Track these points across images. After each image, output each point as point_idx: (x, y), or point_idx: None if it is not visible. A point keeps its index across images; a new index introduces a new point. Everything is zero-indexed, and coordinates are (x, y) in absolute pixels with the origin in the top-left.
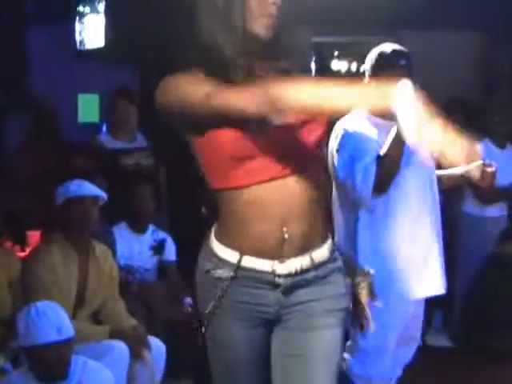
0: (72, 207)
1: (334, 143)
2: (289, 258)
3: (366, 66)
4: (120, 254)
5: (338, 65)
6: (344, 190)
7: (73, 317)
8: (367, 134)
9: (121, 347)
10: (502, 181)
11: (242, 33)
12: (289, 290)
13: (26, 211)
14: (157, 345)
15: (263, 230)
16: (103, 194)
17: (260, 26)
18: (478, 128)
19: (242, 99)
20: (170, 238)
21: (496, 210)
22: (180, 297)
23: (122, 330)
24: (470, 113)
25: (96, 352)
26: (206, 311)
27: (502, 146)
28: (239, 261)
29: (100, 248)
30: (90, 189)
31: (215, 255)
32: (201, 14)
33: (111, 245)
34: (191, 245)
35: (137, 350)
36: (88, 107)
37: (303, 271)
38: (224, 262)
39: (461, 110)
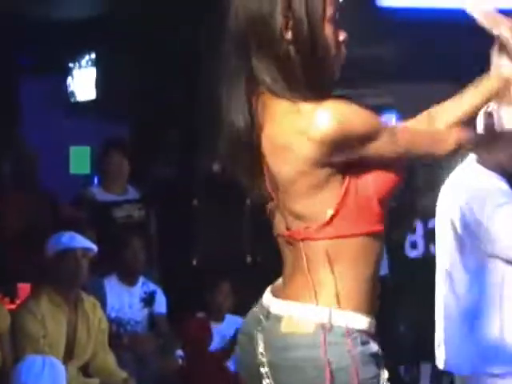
0: (63, 260)
1: (460, 192)
2: None
3: None
4: (110, 306)
5: None
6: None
7: None
8: (495, 183)
9: None
10: None
11: (326, 79)
12: None
13: (17, 263)
14: None
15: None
16: (94, 247)
17: (337, 68)
18: None
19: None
20: (160, 290)
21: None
22: (171, 349)
23: (113, 382)
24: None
25: None
26: None
27: None
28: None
29: (89, 300)
30: (81, 241)
31: (371, 334)
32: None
33: (102, 297)
34: (181, 297)
35: None
36: (79, 159)
37: None
38: (371, 335)
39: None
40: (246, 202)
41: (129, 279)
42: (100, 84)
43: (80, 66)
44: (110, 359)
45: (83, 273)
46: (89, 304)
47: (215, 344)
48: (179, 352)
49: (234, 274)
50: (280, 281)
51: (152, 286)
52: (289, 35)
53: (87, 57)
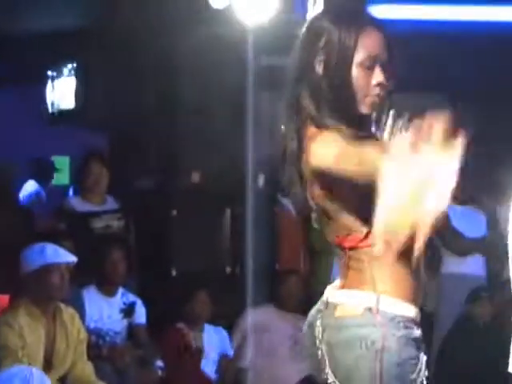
0: (49, 274)
1: None
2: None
3: None
4: (89, 317)
5: None
6: None
7: None
8: None
9: None
10: (470, 234)
11: (351, 113)
12: None
13: None
14: None
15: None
16: (75, 259)
17: (364, 105)
18: None
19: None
20: (140, 301)
21: (474, 268)
22: (150, 360)
23: None
24: None
25: None
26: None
27: (464, 203)
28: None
29: (67, 311)
30: (65, 255)
31: (412, 320)
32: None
33: (80, 308)
34: (161, 307)
35: None
36: (58, 170)
37: None
38: (414, 321)
39: None
40: (225, 212)
41: (108, 290)
42: (80, 94)
43: (60, 76)
44: (88, 370)
45: (67, 286)
46: (67, 315)
47: None
48: (159, 363)
49: (213, 284)
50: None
51: (132, 297)
52: (320, 70)
53: (67, 67)
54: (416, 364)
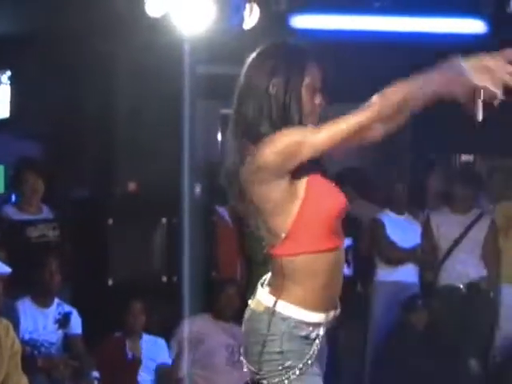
0: None
1: None
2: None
3: None
4: (24, 328)
5: None
6: None
7: None
8: None
9: None
10: (404, 244)
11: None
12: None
13: None
14: None
15: (338, 287)
16: (9, 270)
17: (308, 121)
18: (375, 198)
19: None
20: (76, 311)
21: (407, 276)
22: (86, 370)
23: None
24: (362, 183)
25: None
26: (299, 367)
27: (401, 213)
28: (326, 318)
29: (1, 323)
30: (1, 267)
31: (306, 323)
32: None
33: (14, 319)
34: (97, 317)
35: None
36: None
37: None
38: (315, 325)
39: (351, 180)
40: (161, 221)
41: (43, 300)
42: (15, 102)
43: None
44: (23, 382)
45: (1, 298)
46: (1, 326)
47: None
48: (95, 373)
49: (150, 293)
50: None
51: (67, 307)
52: (274, 91)
53: (3, 75)
54: (302, 355)
